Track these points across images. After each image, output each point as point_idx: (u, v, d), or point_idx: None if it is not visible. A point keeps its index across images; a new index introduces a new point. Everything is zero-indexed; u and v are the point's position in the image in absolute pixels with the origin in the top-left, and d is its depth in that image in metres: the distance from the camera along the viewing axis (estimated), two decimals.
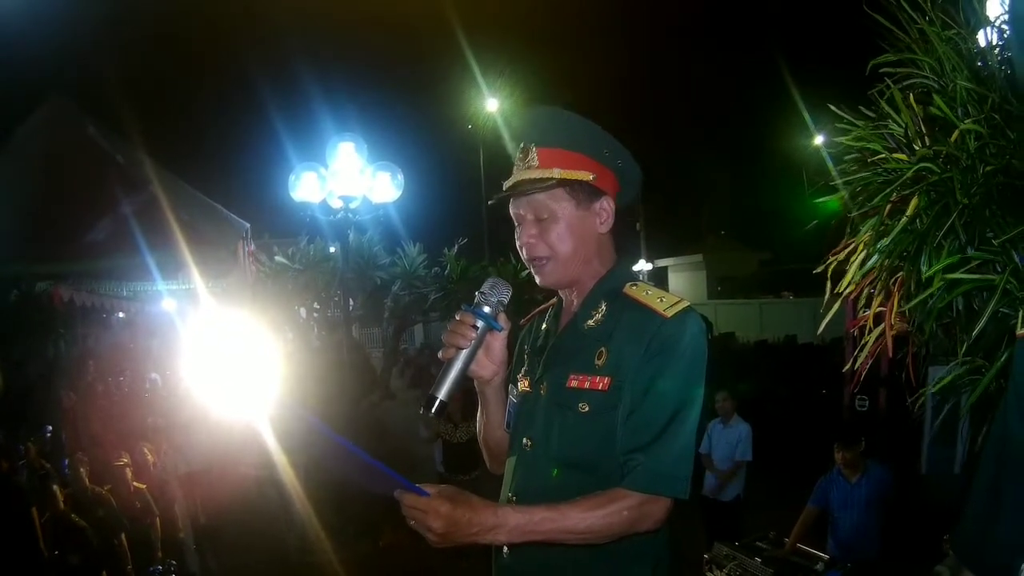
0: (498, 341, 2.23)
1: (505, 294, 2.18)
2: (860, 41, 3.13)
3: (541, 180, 2.07)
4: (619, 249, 2.26)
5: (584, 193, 2.10)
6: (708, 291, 35.60)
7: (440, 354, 2.16)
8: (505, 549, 2.11)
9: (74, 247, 8.60)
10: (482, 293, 2.17)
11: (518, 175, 2.13)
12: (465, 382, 2.19)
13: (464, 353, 2.12)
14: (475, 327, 2.13)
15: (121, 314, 14.90)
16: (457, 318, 2.17)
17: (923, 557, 4.46)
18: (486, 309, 2.14)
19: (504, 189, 2.16)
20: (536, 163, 2.09)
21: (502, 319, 2.18)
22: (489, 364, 2.25)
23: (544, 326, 2.34)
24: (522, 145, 2.15)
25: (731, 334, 22.65)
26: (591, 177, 2.08)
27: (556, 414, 2.09)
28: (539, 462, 2.12)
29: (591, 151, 2.11)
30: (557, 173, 2.06)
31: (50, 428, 9.28)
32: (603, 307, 2.12)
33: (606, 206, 2.15)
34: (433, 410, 2.07)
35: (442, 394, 2.08)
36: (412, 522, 1.85)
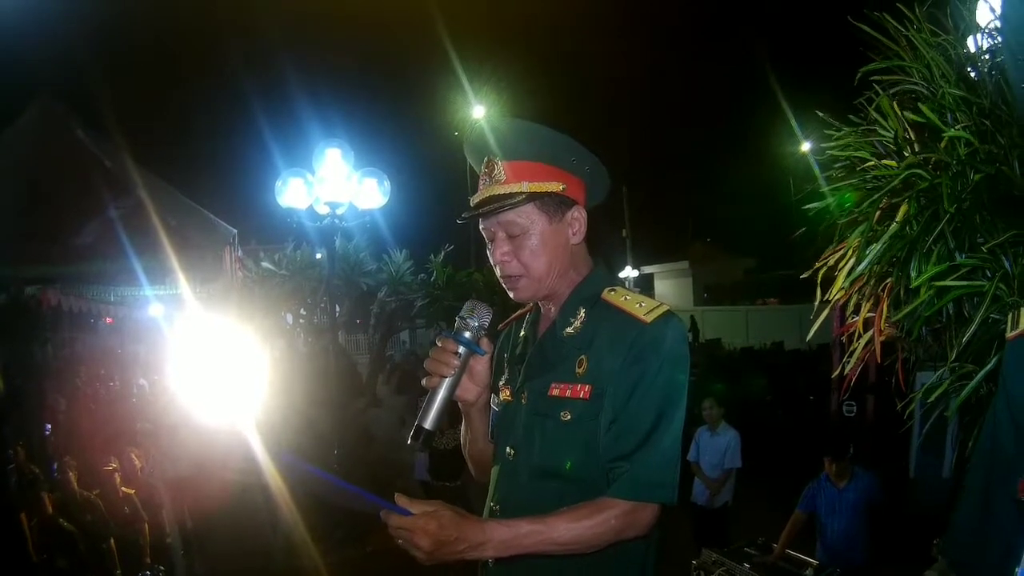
0: (481, 364, 2.21)
1: (486, 318, 2.15)
2: (849, 50, 3.14)
3: (510, 196, 2.03)
4: (594, 253, 2.23)
5: (555, 205, 2.06)
6: (694, 298, 35.76)
7: (424, 382, 2.13)
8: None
9: (62, 251, 8.60)
10: (462, 318, 2.14)
11: (485, 191, 2.09)
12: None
13: (448, 381, 2.09)
14: (457, 354, 2.10)
15: (109, 319, 14.87)
16: (439, 345, 2.14)
17: (911, 562, 4.46)
18: (467, 335, 2.12)
19: (472, 205, 2.12)
20: (503, 178, 2.05)
21: (484, 343, 2.16)
22: (473, 387, 2.23)
23: (522, 333, 2.31)
24: (486, 159, 2.11)
25: (717, 341, 22.69)
26: (561, 188, 2.05)
27: (537, 423, 2.07)
28: (521, 471, 2.10)
29: (558, 161, 2.07)
30: (526, 187, 2.02)
31: (49, 427, 9.27)
32: (582, 314, 2.10)
33: (578, 216, 2.11)
34: (421, 440, 2.06)
35: (428, 424, 2.06)
36: (400, 541, 1.82)
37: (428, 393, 2.10)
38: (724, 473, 7.56)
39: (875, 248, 2.72)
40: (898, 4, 2.93)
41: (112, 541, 6.93)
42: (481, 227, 2.14)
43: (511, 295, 2.15)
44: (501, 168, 2.06)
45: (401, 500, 1.83)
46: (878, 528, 6.01)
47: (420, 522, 1.79)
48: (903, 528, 5.75)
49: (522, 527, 1.87)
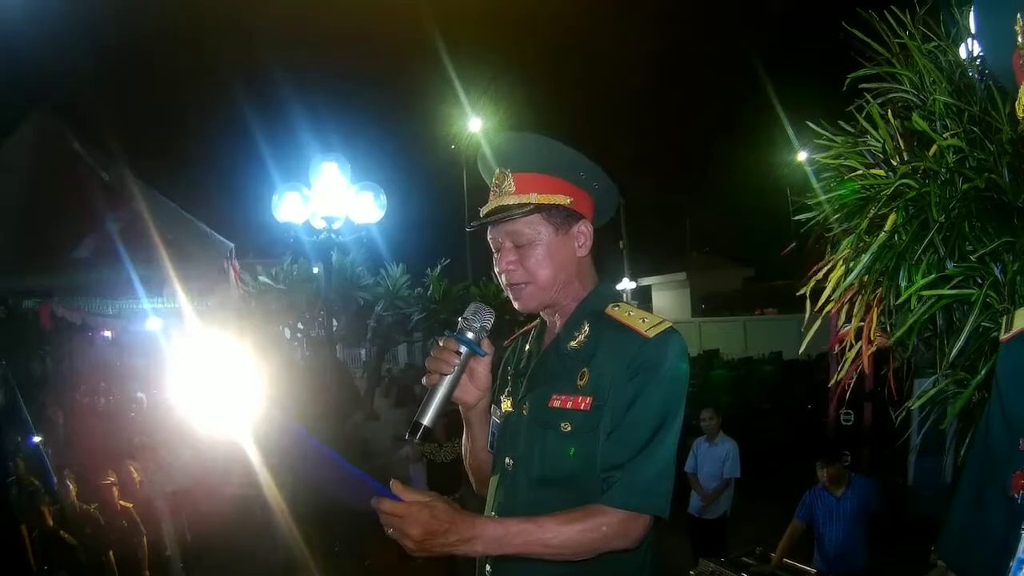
0: (482, 366, 2.23)
1: (488, 319, 2.17)
2: (844, 57, 3.15)
3: (518, 206, 2.06)
4: (600, 269, 2.26)
5: (561, 217, 2.10)
6: (692, 309, 35.74)
7: (424, 380, 2.15)
8: (488, 567, 2.11)
9: (60, 264, 8.58)
10: (465, 319, 2.17)
11: (495, 201, 2.12)
12: (449, 405, 2.20)
13: (448, 379, 2.11)
14: (458, 353, 2.12)
15: (107, 333, 14.85)
16: (440, 343, 2.16)
17: (910, 569, 4.46)
18: (469, 335, 2.14)
19: (482, 215, 2.15)
20: (512, 189, 2.08)
21: (485, 344, 2.17)
22: (473, 390, 2.25)
23: (527, 347, 2.33)
24: (498, 171, 2.14)
25: (716, 351, 22.69)
26: (568, 201, 2.08)
27: (538, 434, 2.08)
28: (520, 482, 2.11)
29: (567, 175, 2.10)
30: (534, 198, 2.05)
31: (35, 440, 9.24)
32: (586, 328, 2.11)
33: (584, 230, 2.14)
34: (418, 436, 2.08)
35: (426, 420, 2.08)
36: (390, 530, 1.83)
37: (427, 391, 2.12)
38: (723, 483, 7.56)
39: (863, 259, 2.73)
40: (892, 8, 2.94)
41: (111, 554, 6.94)
42: (489, 237, 2.17)
43: (516, 304, 2.18)
44: (511, 180, 2.10)
45: (396, 487, 1.84)
46: (876, 535, 6.01)
47: (413, 510, 1.80)
48: (901, 535, 5.76)
49: (513, 525, 1.89)
